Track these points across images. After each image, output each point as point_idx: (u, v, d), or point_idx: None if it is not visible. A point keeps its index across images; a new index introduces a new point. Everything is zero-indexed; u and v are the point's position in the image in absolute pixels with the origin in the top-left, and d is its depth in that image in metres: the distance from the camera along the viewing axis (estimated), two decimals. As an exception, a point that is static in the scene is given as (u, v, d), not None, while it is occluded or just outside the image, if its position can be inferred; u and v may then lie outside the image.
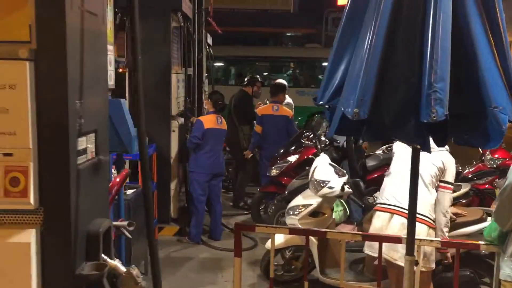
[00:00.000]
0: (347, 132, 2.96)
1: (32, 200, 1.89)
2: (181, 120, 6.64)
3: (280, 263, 4.94)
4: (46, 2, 1.86)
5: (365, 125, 2.52)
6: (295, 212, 4.54)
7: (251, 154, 7.40)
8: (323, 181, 4.39)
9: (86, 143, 2.11)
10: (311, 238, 4.22)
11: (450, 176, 3.70)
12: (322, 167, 4.50)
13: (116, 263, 2.20)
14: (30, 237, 1.89)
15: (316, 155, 5.16)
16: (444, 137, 2.44)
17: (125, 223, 2.71)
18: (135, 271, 2.20)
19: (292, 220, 4.51)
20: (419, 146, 2.58)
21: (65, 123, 1.90)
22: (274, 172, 6.37)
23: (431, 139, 2.39)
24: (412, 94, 2.26)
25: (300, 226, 4.37)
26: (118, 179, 2.92)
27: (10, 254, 1.89)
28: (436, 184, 3.69)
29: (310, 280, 4.30)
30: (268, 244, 4.65)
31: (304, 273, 3.59)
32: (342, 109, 2.33)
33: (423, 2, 2.22)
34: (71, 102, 1.92)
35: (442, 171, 3.66)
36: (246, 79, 8.39)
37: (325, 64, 16.26)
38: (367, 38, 2.27)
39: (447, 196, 3.66)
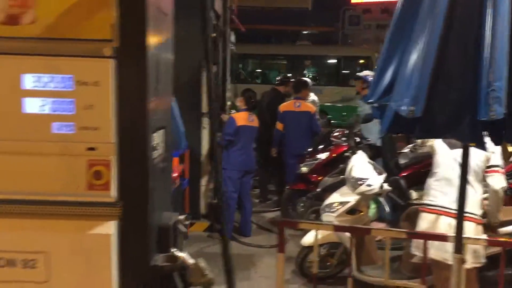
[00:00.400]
0: (398, 129, 2.98)
1: (113, 193, 1.95)
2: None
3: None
4: (128, 1, 1.93)
5: (417, 123, 2.54)
6: (332, 210, 4.56)
7: (276, 151, 7.41)
8: (361, 179, 4.40)
9: (158, 139, 2.18)
10: (349, 235, 4.24)
11: (496, 160, 3.64)
12: (360, 165, 4.51)
13: (184, 255, 2.25)
14: (111, 228, 1.96)
15: (352, 152, 5.16)
16: (499, 135, 2.46)
17: (182, 217, 2.76)
18: (202, 263, 2.25)
19: (329, 217, 4.53)
20: (474, 144, 2.60)
21: (144, 119, 1.97)
22: (304, 169, 6.41)
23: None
24: (468, 93, 2.28)
25: (337, 224, 4.40)
26: (175, 174, 2.98)
27: (92, 245, 1.96)
28: (482, 175, 3.65)
29: (344, 277, 4.32)
30: (304, 241, 4.69)
31: (349, 270, 3.62)
32: (395, 107, 2.36)
33: (480, 1, 2.24)
34: (150, 98, 1.99)
35: (487, 161, 3.62)
36: (278, 78, 8.44)
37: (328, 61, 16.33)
38: (422, 37, 2.29)
39: (497, 177, 3.59)
